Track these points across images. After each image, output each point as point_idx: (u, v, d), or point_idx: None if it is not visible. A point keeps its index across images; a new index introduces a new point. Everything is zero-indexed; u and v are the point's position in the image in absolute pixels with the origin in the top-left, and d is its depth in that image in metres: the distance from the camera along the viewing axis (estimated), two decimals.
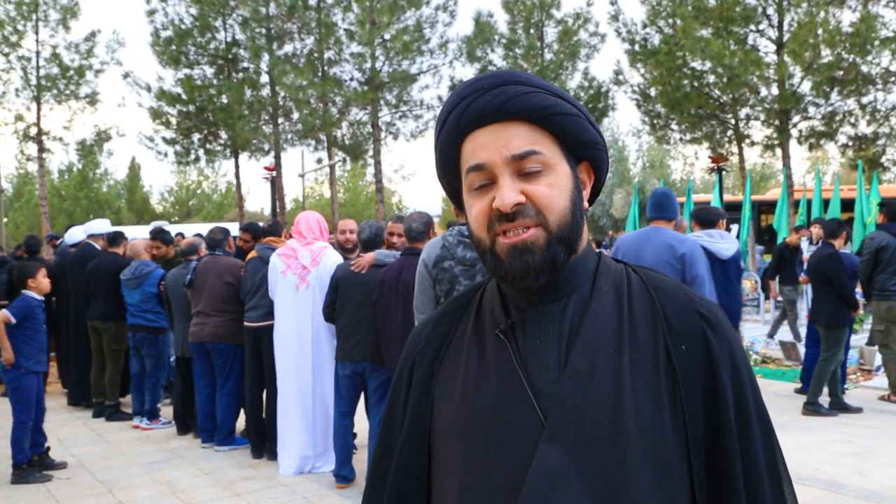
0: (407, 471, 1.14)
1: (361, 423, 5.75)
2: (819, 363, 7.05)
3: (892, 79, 17.88)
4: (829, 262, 7.08)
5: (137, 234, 10.08)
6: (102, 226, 9.02)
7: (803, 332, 9.69)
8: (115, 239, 8.15)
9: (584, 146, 1.09)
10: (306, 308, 5.60)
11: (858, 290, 7.87)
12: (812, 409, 6.98)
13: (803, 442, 6.14)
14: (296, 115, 22.45)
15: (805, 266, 8.74)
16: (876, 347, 8.00)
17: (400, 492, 1.14)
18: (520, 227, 1.02)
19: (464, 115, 1.06)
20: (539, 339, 1.06)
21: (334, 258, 5.68)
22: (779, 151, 19.54)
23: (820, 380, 6.99)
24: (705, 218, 6.93)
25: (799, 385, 8.01)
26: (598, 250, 1.17)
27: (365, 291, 5.09)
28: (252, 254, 6.27)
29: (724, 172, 18.55)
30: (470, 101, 1.06)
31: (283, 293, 5.65)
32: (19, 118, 21.06)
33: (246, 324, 6.07)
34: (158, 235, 8.14)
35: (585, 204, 1.11)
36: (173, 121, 22.57)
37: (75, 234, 9.11)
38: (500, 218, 1.03)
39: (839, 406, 7.10)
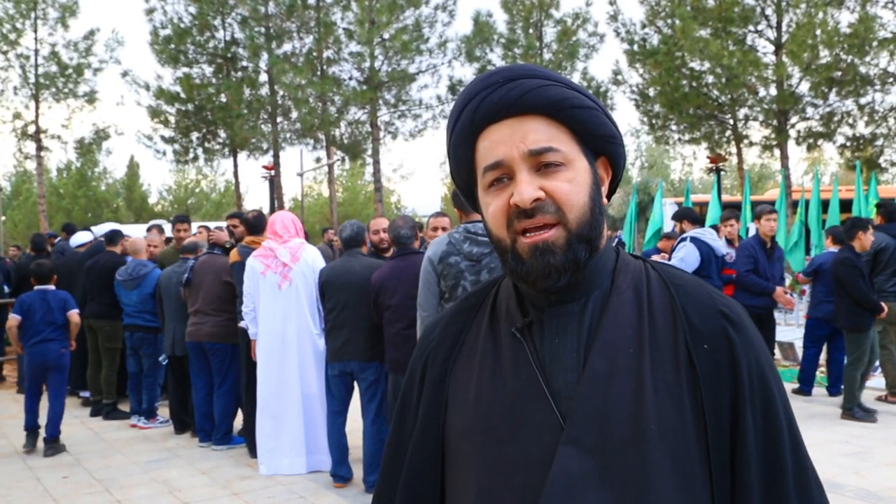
0: (420, 471, 1.11)
1: (357, 422, 5.76)
2: (845, 368, 7.04)
3: (891, 79, 17.91)
4: (842, 267, 6.94)
5: (138, 233, 10.12)
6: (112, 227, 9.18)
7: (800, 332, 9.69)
8: (113, 238, 8.10)
9: (602, 140, 1.06)
10: (290, 306, 5.55)
11: None
12: (850, 413, 6.94)
13: None
14: (294, 114, 22.47)
15: (807, 264, 8.73)
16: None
17: (412, 493, 1.11)
18: (539, 225, 0.99)
19: (478, 110, 1.03)
20: (557, 339, 1.03)
21: (313, 253, 5.66)
22: (777, 152, 19.57)
23: (850, 386, 6.95)
24: (695, 217, 7.29)
25: (796, 385, 8.02)
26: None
27: (349, 291, 5.11)
28: (234, 256, 6.14)
29: (722, 173, 18.56)
30: (484, 96, 1.03)
31: (266, 294, 5.59)
32: (17, 116, 21.05)
33: (241, 325, 6.05)
34: (182, 219, 8.12)
35: (604, 200, 1.08)
36: (172, 119, 22.58)
37: (81, 237, 9.17)
38: (518, 215, 1.00)
39: (848, 409, 7.07)
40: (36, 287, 6.49)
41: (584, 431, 0.97)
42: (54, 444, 6.46)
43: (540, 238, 0.99)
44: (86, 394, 8.29)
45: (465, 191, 1.14)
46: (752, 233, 13.04)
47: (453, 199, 4.33)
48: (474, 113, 1.03)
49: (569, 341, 1.03)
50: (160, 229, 8.95)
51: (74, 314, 6.50)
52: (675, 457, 0.97)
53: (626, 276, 1.08)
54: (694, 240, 6.93)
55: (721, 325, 1.03)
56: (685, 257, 6.81)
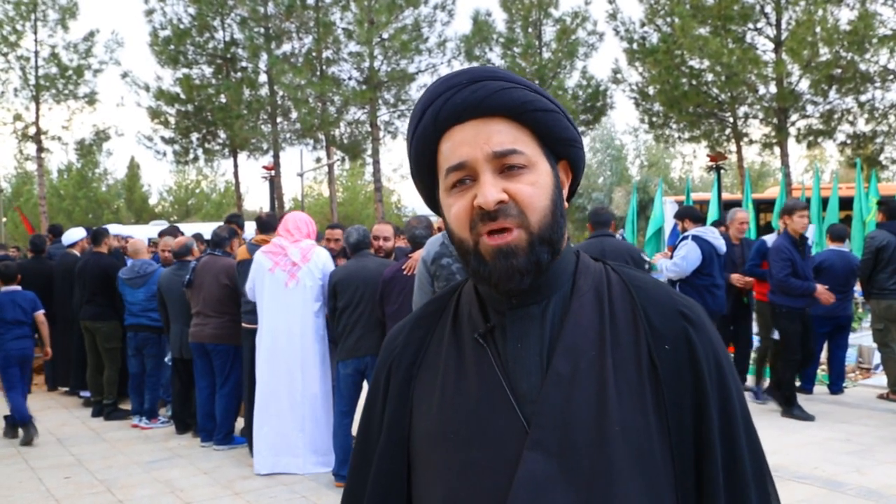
0: (386, 479, 1.10)
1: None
2: None
3: (891, 77, 17.89)
4: None
5: (139, 234, 10.13)
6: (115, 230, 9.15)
7: None
8: (97, 237, 8.05)
9: (564, 143, 1.07)
10: (296, 305, 5.55)
11: (857, 288, 7.88)
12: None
13: (802, 440, 6.15)
14: (294, 115, 22.45)
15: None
16: (875, 346, 8.00)
17: (379, 499, 1.11)
18: (502, 227, 0.99)
19: (442, 110, 1.03)
20: (520, 343, 1.04)
21: (323, 255, 5.66)
22: (777, 150, 19.55)
23: None
24: (697, 215, 7.31)
25: (798, 383, 8.03)
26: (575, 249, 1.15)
27: (365, 288, 5.15)
28: (243, 253, 6.19)
29: (722, 171, 18.56)
30: (448, 97, 1.03)
31: (271, 291, 5.58)
32: (18, 118, 21.04)
33: (244, 325, 6.06)
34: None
35: (565, 203, 1.09)
36: (172, 120, 22.56)
37: (72, 235, 9.16)
38: (482, 217, 1.00)
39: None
40: (2, 289, 6.80)
41: (548, 435, 0.97)
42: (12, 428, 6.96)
43: (503, 241, 0.99)
44: (86, 394, 8.29)
45: (424, 192, 1.14)
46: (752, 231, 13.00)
47: None
48: (438, 113, 1.03)
49: (531, 345, 1.03)
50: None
51: (41, 314, 6.88)
52: (640, 458, 0.98)
53: (587, 279, 1.08)
54: (696, 238, 6.93)
55: (681, 326, 1.04)
56: (687, 255, 6.82)
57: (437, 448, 1.05)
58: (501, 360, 1.04)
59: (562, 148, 1.08)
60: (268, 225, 6.33)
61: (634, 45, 20.30)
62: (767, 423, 6.48)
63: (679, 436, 1.01)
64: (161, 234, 8.62)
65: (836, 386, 7.85)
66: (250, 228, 8.88)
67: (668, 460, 1.00)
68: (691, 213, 7.49)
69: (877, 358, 8.48)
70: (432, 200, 1.13)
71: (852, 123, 19.15)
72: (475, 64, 22.06)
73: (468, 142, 1.01)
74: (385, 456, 1.11)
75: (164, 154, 23.26)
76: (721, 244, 7.02)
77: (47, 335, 6.95)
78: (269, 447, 5.64)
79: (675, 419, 1.01)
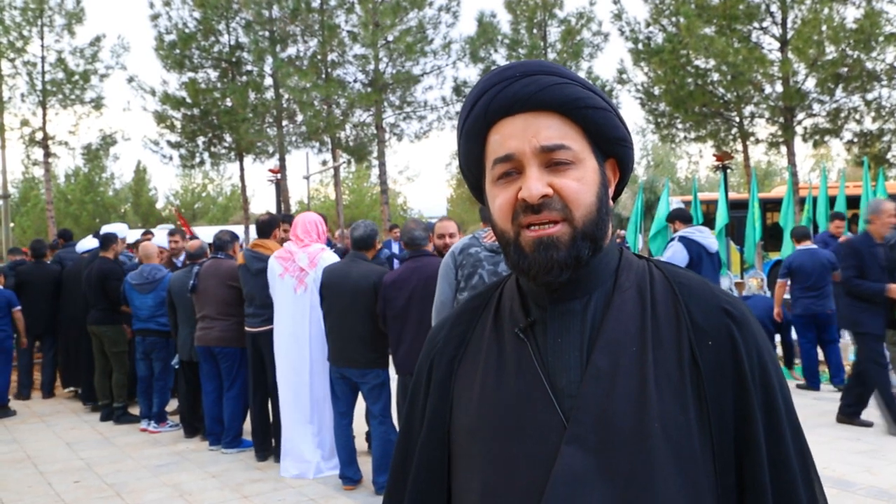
0: (427, 471, 1.12)
1: (364, 426, 5.77)
2: None
3: None
4: None
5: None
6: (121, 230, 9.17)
7: None
8: (105, 243, 8.06)
9: (613, 142, 1.07)
10: (304, 311, 5.57)
11: None
12: None
13: (811, 440, 6.07)
14: (300, 118, 22.47)
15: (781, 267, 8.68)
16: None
17: (420, 493, 1.12)
18: (545, 221, 1.00)
19: (493, 102, 1.03)
20: (560, 338, 1.04)
21: (331, 259, 5.67)
22: (784, 149, 19.48)
23: None
24: (687, 216, 7.38)
25: (801, 381, 8.02)
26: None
27: (343, 298, 5.13)
28: (240, 259, 6.20)
29: (729, 170, 18.52)
30: (500, 90, 1.03)
31: (282, 296, 5.63)
32: (25, 123, 21.12)
33: (246, 328, 6.08)
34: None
35: (610, 202, 1.09)
36: (178, 124, 22.60)
37: (86, 244, 9.19)
38: (525, 209, 1.00)
39: None
40: None
41: (587, 430, 0.97)
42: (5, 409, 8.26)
43: (545, 233, 1.00)
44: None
45: (472, 183, 1.15)
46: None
47: (481, 213, 4.45)
48: (489, 105, 1.04)
49: (572, 340, 1.03)
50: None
51: (17, 311, 8.44)
52: (679, 454, 0.97)
53: (630, 275, 1.08)
54: (682, 238, 6.98)
55: (724, 322, 1.03)
56: (673, 256, 6.86)
57: (475, 441, 1.05)
58: (541, 354, 1.04)
59: (611, 146, 1.08)
60: (266, 227, 6.32)
61: (640, 46, 20.26)
62: None
63: (720, 433, 1.00)
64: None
65: (837, 378, 7.89)
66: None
67: (708, 457, 0.99)
68: (681, 215, 7.54)
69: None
70: (479, 191, 1.14)
71: (859, 122, 19.06)
72: (480, 65, 22.10)
73: (516, 135, 1.02)
74: (426, 449, 1.12)
75: (171, 158, 23.30)
76: (711, 243, 7.03)
77: (23, 328, 8.51)
78: (289, 451, 5.68)
79: (717, 416, 1.00)
